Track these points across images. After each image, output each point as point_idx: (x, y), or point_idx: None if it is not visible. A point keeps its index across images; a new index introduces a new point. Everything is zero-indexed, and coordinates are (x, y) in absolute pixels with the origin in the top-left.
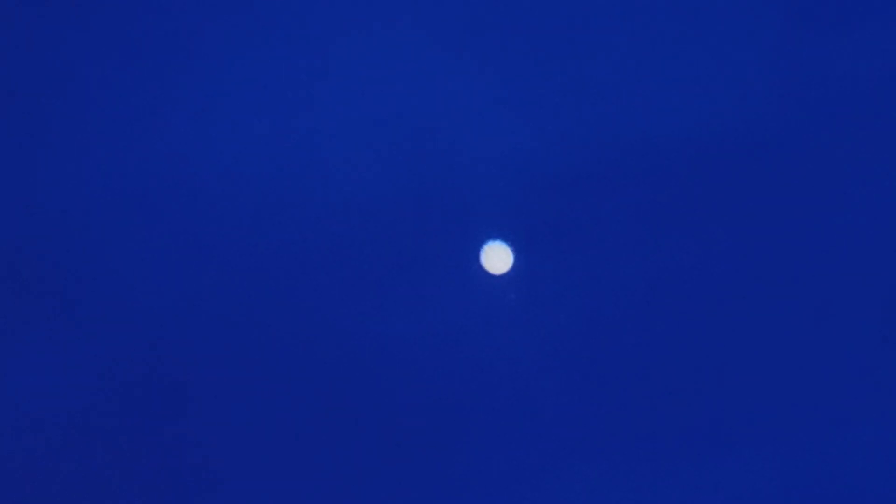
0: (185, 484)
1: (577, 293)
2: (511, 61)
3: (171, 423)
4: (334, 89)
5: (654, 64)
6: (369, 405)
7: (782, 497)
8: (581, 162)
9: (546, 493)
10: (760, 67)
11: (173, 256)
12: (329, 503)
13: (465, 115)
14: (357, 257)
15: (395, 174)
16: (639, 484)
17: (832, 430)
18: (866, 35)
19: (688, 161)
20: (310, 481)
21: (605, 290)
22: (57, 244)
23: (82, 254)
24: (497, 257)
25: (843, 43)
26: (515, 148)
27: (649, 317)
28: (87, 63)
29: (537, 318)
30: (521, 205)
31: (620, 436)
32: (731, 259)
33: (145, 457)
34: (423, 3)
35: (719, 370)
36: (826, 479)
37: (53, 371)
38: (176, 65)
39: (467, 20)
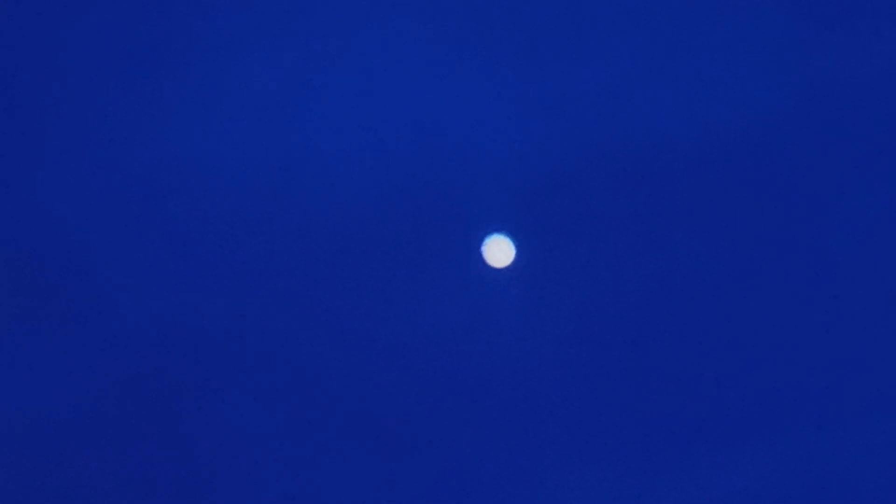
0: (184, 483)
1: (579, 286)
2: (514, 58)
3: (170, 423)
4: (337, 87)
5: (656, 63)
6: (372, 399)
7: (782, 497)
8: (583, 157)
9: (551, 489)
10: (761, 67)
11: (173, 257)
12: (331, 502)
13: (466, 110)
14: (359, 251)
15: (398, 169)
16: (642, 479)
17: (832, 430)
18: (867, 35)
19: (688, 158)
20: (312, 480)
21: (606, 283)
22: (57, 245)
23: (83, 254)
24: (499, 251)
25: (843, 43)
26: (517, 143)
27: (651, 310)
28: (87, 63)
29: (539, 312)
30: (523, 199)
31: (622, 429)
32: (732, 256)
33: (145, 456)
34: (424, 3)
35: (718, 362)
36: (826, 478)
37: (53, 371)
38: (175, 66)
39: (471, 20)
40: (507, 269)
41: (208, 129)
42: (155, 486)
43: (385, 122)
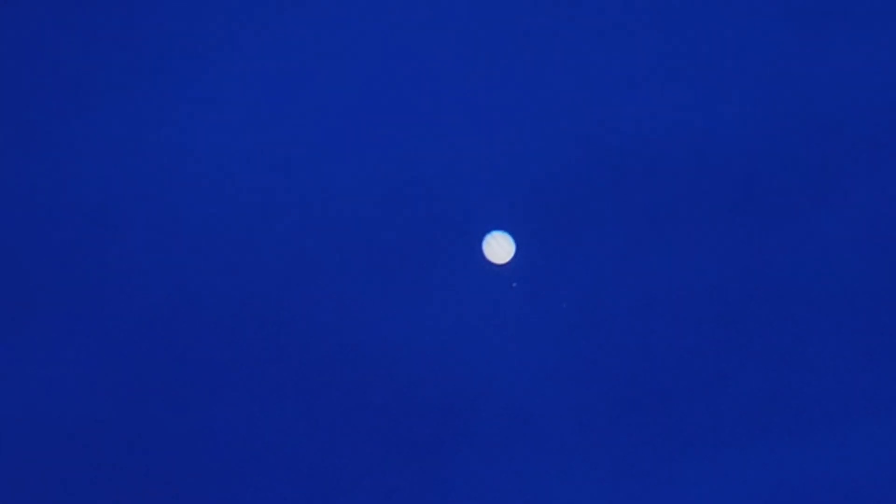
0: (185, 481)
1: (579, 283)
2: (515, 58)
3: (171, 422)
4: (339, 86)
5: (656, 64)
6: (373, 395)
7: (781, 498)
8: (583, 156)
9: (552, 485)
10: (759, 70)
11: (176, 259)
12: (332, 498)
13: (468, 109)
14: (361, 249)
15: (399, 167)
16: (642, 476)
17: (833, 430)
18: (866, 38)
19: (687, 157)
20: (314, 476)
21: (606, 279)
22: (56, 244)
23: (83, 254)
24: (499, 247)
25: (842, 45)
26: (517, 141)
27: (650, 307)
28: (87, 63)
29: (539, 308)
30: (523, 196)
31: (622, 425)
32: (731, 255)
33: (146, 455)
34: (425, 3)
35: (718, 360)
36: (826, 478)
37: (53, 370)
38: (175, 68)
39: (472, 20)
40: (508, 265)
41: (209, 129)
42: (156, 484)
43: (387, 120)
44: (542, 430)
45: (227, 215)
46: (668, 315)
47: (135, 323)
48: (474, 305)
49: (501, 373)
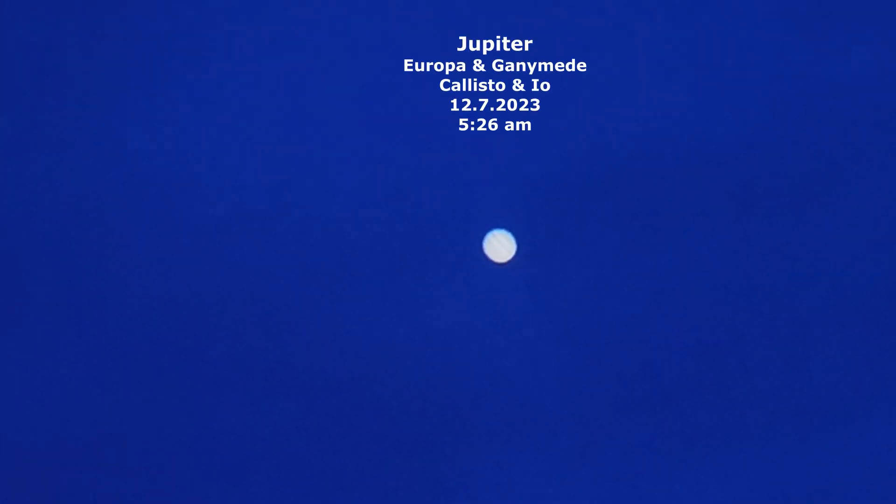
0: (186, 483)
1: (580, 282)
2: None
3: (172, 424)
4: (339, 86)
5: (656, 62)
6: (374, 395)
7: (782, 496)
8: (584, 154)
9: (553, 485)
10: (759, 70)
11: (178, 258)
12: (335, 499)
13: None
14: (362, 248)
15: (400, 165)
16: (642, 476)
17: (833, 430)
18: (866, 38)
19: (687, 157)
20: (316, 478)
21: (607, 278)
22: (56, 244)
23: (83, 254)
24: (500, 246)
25: (842, 45)
26: (518, 139)
27: (651, 306)
28: (87, 63)
29: (540, 307)
30: (524, 194)
31: (623, 424)
32: (731, 254)
33: (145, 457)
34: (424, 4)
35: (718, 359)
36: (826, 478)
37: (52, 371)
38: (176, 68)
39: (472, 19)
40: (509, 264)
41: (209, 129)
42: (155, 485)
43: (387, 120)
44: (542, 430)
45: (226, 215)
46: (668, 314)
47: (134, 325)
48: (474, 305)
49: (502, 372)
